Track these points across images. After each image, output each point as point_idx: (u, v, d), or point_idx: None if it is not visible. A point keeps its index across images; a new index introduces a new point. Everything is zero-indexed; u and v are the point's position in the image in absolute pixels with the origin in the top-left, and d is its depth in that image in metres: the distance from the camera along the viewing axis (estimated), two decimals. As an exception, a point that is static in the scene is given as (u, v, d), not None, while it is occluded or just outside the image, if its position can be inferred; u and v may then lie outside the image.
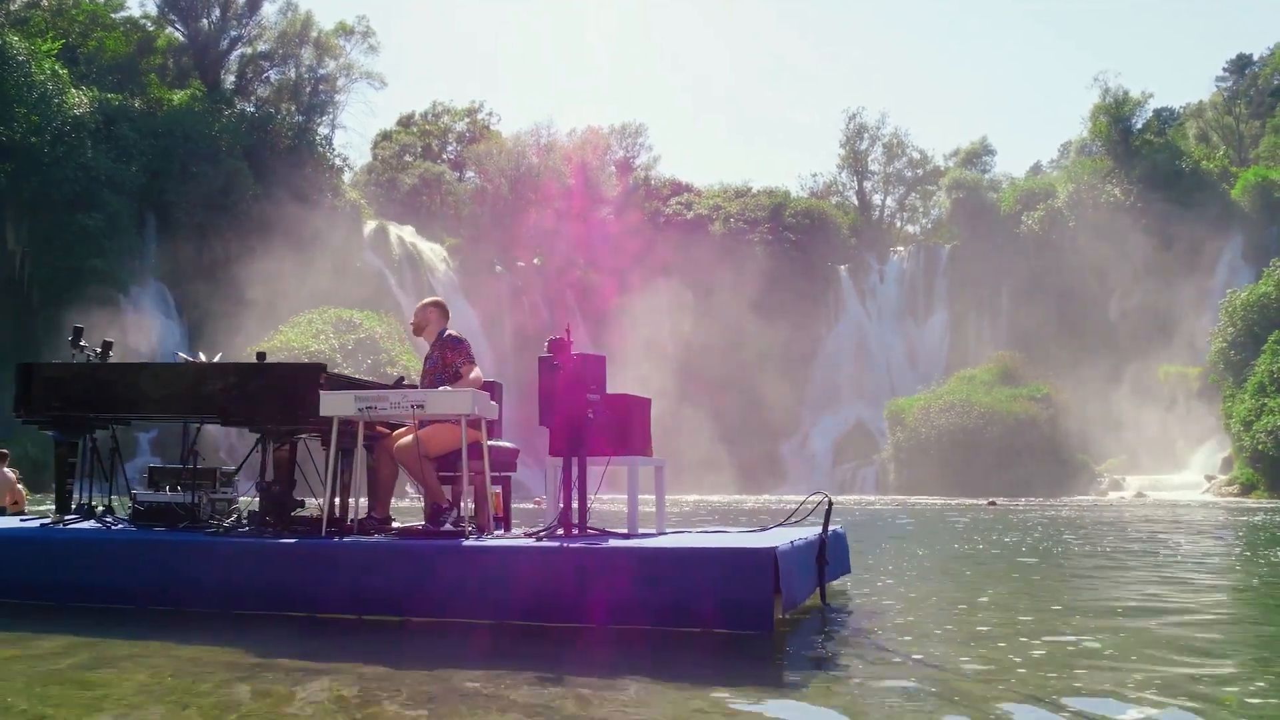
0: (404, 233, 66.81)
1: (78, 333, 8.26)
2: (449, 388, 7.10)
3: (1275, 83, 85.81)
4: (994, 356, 68.40)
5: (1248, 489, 56.15)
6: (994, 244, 78.20)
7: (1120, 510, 32.18)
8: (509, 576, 6.03)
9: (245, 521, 7.91)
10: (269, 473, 7.41)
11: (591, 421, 7.04)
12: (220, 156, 57.58)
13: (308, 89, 66.93)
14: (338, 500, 7.83)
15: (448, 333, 7.90)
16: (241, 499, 8.44)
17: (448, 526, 7.39)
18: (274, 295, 51.51)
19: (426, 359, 7.90)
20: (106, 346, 8.27)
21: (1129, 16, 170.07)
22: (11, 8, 55.31)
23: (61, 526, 7.75)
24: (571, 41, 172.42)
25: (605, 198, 76.66)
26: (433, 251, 67.92)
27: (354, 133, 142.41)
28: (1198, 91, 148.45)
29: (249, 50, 66.45)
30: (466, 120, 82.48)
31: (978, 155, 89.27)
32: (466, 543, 6.35)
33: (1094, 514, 28.22)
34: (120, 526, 7.72)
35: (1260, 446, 54.36)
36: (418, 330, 8.03)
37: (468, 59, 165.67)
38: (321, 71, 67.41)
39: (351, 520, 7.21)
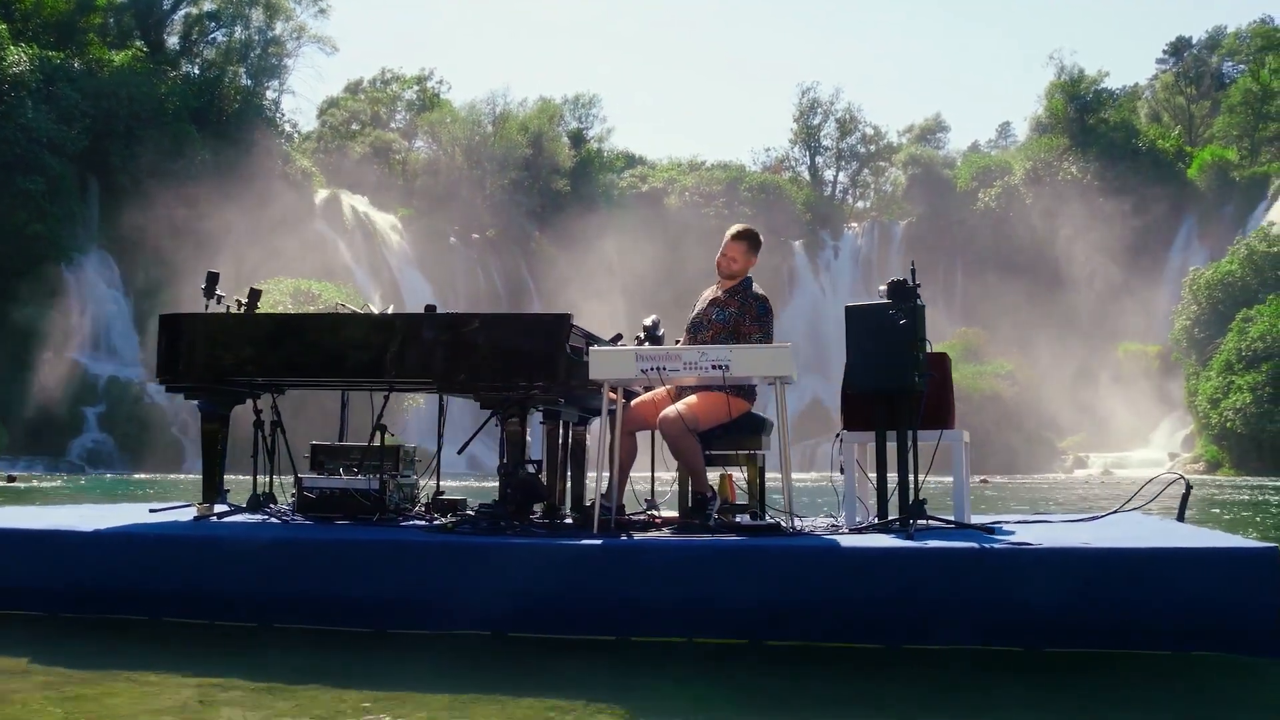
0: (356, 202, 64.50)
1: (213, 279, 6.62)
2: (760, 345, 5.58)
3: (1223, 65, 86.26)
4: (957, 333, 67.74)
5: (1213, 466, 56.13)
6: (950, 220, 77.85)
7: (1111, 487, 31.26)
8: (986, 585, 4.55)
9: (460, 513, 6.38)
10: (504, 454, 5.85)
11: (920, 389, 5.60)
12: (166, 120, 54.78)
13: (256, 51, 64.12)
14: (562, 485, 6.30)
15: (753, 288, 6.35)
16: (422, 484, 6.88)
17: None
18: (224, 265, 49.05)
19: (712, 304, 6.36)
20: (254, 296, 6.64)
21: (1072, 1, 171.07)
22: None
23: (216, 520, 6.17)
24: (522, 11, 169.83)
25: (559, 169, 74.70)
26: (385, 222, 65.70)
27: (303, 98, 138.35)
28: (1137, 73, 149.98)
29: (194, 10, 63.37)
30: (416, 88, 79.83)
31: (932, 132, 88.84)
32: (849, 540, 4.82)
33: (1091, 490, 27.29)
34: (298, 520, 6.15)
35: (1229, 424, 54.24)
36: (730, 273, 6.42)
37: (417, 26, 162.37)
38: (271, 34, 64.62)
39: (605, 510, 5.67)
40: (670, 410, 5.88)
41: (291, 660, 4.67)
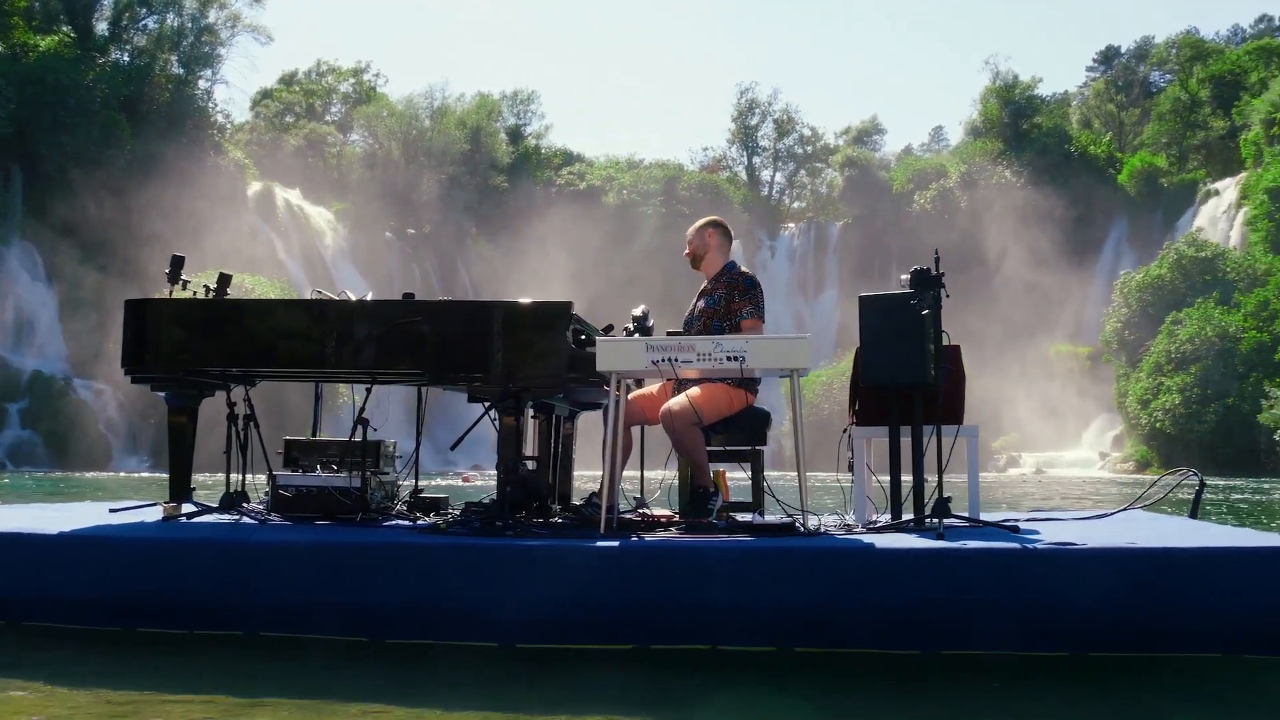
0: (290, 195, 63.41)
1: (177, 263, 6.21)
2: (776, 336, 5.29)
3: (1152, 74, 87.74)
4: (894, 334, 68.05)
5: (1142, 466, 56.93)
6: (885, 222, 78.34)
7: (1048, 486, 31.42)
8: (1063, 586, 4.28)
9: (444, 512, 6.04)
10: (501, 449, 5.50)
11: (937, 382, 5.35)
12: (94, 108, 53.31)
13: (189, 40, 62.68)
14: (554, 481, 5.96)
15: (739, 268, 6.07)
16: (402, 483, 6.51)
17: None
18: (153, 258, 47.91)
19: (700, 296, 6.08)
20: (223, 281, 6.23)
21: (1008, 7, 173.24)
22: None
23: (186, 520, 5.76)
24: (461, 6, 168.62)
25: (497, 165, 74.06)
26: (320, 216, 64.68)
27: (236, 89, 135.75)
28: (1069, 80, 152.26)
29: (125, -6, 61.85)
30: (352, 81, 78.73)
31: (868, 134, 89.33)
32: (887, 541, 4.52)
33: (1028, 489, 27.39)
34: (274, 520, 5.76)
35: (1158, 425, 55.02)
36: (696, 261, 6.16)
37: (354, 18, 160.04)
38: (204, 22, 63.18)
39: (608, 510, 5.34)
40: (673, 403, 5.59)
41: (273, 672, 4.32)
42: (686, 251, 6.20)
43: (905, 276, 5.25)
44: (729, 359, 5.08)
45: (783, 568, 4.36)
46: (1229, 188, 68.89)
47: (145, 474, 37.00)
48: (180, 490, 6.02)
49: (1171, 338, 56.42)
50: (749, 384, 5.81)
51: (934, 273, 5.17)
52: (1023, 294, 70.95)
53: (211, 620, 4.78)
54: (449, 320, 5.58)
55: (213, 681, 4.13)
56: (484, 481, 30.55)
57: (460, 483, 28.44)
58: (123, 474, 37.33)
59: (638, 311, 6.37)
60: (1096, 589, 4.21)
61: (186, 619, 4.81)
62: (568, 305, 5.55)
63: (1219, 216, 68.20)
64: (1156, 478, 6.45)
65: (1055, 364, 67.48)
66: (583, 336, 5.87)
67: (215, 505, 5.91)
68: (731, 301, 5.89)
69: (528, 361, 5.43)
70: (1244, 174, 67.38)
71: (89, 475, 34.72)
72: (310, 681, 4.20)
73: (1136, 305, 61.23)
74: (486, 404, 5.59)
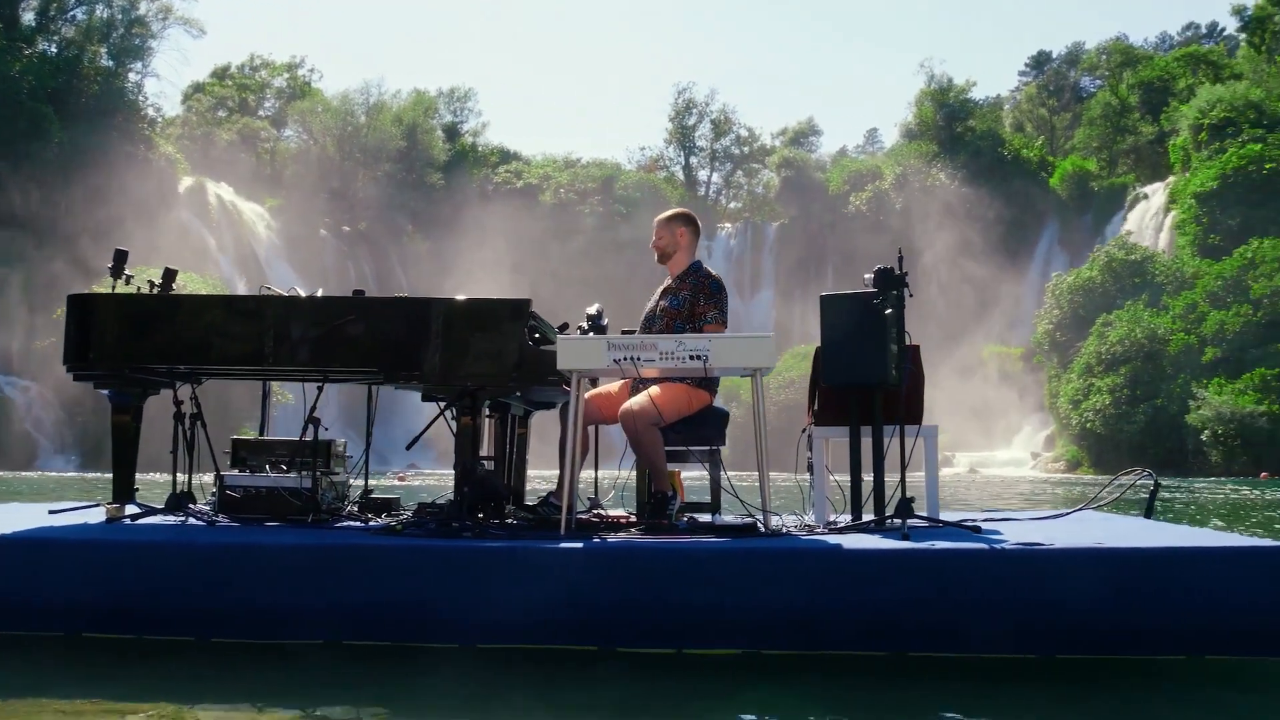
0: (223, 191, 62.54)
1: (121, 258, 6.01)
2: (740, 335, 5.21)
3: (1082, 79, 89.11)
4: (829, 334, 68.52)
5: (1073, 465, 57.86)
6: (821, 223, 78.88)
7: (983, 486, 31.74)
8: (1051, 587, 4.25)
9: (402, 513, 5.92)
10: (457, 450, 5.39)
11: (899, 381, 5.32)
12: (21, 100, 52.26)
13: (119, 31, 61.56)
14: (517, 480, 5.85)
15: (704, 269, 5.96)
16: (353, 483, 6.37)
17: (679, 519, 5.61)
18: (82, 254, 47.00)
19: (663, 294, 5.97)
20: (169, 276, 6.04)
21: (942, 11, 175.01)
22: None
23: (130, 522, 5.59)
24: (396, 1, 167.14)
25: (434, 162, 73.55)
26: (253, 212, 63.86)
27: (167, 82, 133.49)
28: (1001, 84, 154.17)
29: (52, -16, 60.68)
30: (286, 76, 77.79)
31: (804, 135, 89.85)
32: (855, 542, 4.46)
33: (964, 488, 27.64)
34: (222, 521, 5.60)
35: (1089, 425, 55.93)
36: (664, 256, 6.02)
37: (288, 12, 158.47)
38: (135, 14, 62.11)
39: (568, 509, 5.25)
40: (634, 402, 5.49)
41: (226, 678, 4.19)
42: (656, 244, 5.99)
43: (868, 276, 5.20)
44: (692, 358, 5.00)
45: (754, 569, 4.29)
46: (1158, 192, 70.21)
47: (74, 474, 36.28)
48: (124, 491, 5.83)
49: (1102, 339, 57.38)
50: (709, 384, 5.74)
51: (897, 271, 5.13)
52: (956, 295, 71.74)
53: (161, 625, 4.62)
54: (403, 318, 5.45)
55: (162, 688, 3.99)
56: (420, 481, 30.32)
57: (396, 482, 28.16)
58: (51, 474, 36.55)
59: (592, 310, 6.28)
60: (1068, 590, 4.19)
61: (134, 624, 4.65)
62: (527, 302, 5.45)
63: (1148, 220, 69.47)
64: (1111, 478, 6.47)
65: (989, 365, 68.31)
66: (537, 335, 5.78)
67: (160, 506, 5.74)
68: (696, 304, 5.78)
69: (486, 359, 5.32)
70: (1172, 178, 68.70)
71: (14, 475, 33.94)
72: (264, 687, 4.07)
73: (1068, 307, 62.23)
74: (442, 403, 5.48)
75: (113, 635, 4.64)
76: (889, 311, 5.13)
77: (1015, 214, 73.53)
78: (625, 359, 5.01)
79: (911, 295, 5.18)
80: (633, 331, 5.77)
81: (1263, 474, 44.44)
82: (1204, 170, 62.12)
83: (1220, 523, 12.44)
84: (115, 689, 3.94)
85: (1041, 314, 64.34)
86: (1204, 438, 49.81)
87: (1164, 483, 5.61)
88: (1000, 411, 65.60)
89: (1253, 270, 54.65)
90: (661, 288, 6.04)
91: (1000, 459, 62.28)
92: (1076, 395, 57.58)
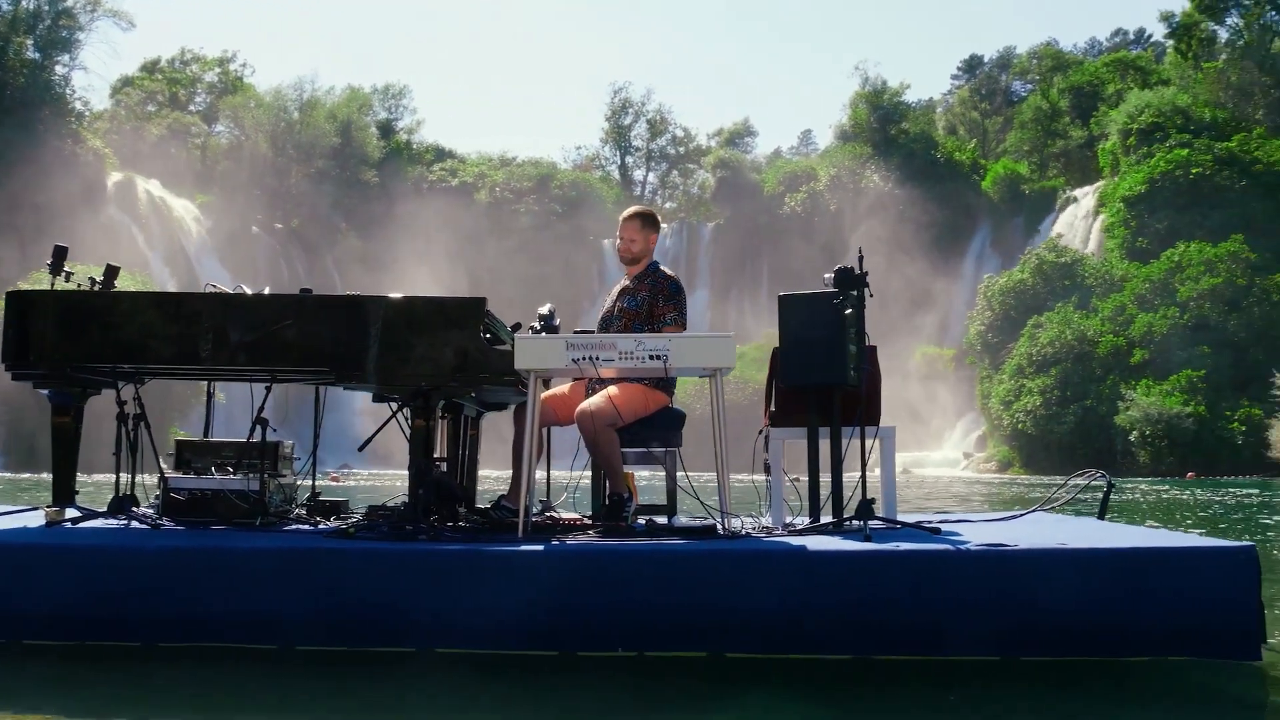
0: (152, 186, 61.49)
1: (60, 254, 5.82)
2: (701, 335, 5.14)
3: (1014, 83, 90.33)
4: (765, 334, 68.84)
5: (1005, 466, 58.52)
6: (757, 224, 79.19)
7: (917, 487, 31.92)
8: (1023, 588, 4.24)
9: (351, 516, 5.81)
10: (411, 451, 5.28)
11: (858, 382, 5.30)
12: (-58, 91, 51.19)
13: (46, 23, 60.32)
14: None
15: (662, 269, 5.90)
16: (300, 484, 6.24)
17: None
18: (6, 249, 45.97)
19: (621, 294, 5.90)
20: (110, 273, 5.88)
21: (876, 13, 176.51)
22: None
23: (71, 525, 5.42)
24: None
25: (368, 159, 72.87)
26: (184, 208, 62.85)
27: (96, 76, 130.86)
28: (934, 87, 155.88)
29: (-25, -25, 59.36)
30: (218, 70, 76.69)
31: (740, 136, 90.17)
32: (819, 544, 4.41)
33: (901, 489, 27.81)
34: (166, 524, 5.45)
35: (1020, 425, 56.59)
36: (632, 257, 5.94)
37: (220, 5, 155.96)
38: (62, 5, 60.86)
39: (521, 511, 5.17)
40: (588, 404, 5.43)
41: (173, 685, 4.06)
42: (629, 246, 5.88)
43: (828, 275, 5.18)
44: (652, 358, 4.95)
45: (721, 572, 4.24)
46: (1087, 195, 71.23)
47: (7, 474, 35.42)
48: (64, 494, 5.68)
49: (1033, 341, 58.11)
50: (666, 385, 5.69)
51: (858, 271, 5.11)
52: (889, 297, 72.28)
53: (106, 631, 4.50)
54: (356, 317, 5.33)
55: (110, 696, 3.87)
56: (355, 482, 29.98)
57: (330, 482, 27.79)
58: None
59: (544, 310, 6.20)
60: (1048, 591, 4.18)
61: (78, 630, 4.52)
62: (482, 301, 5.36)
63: (1077, 223, 70.48)
64: (1066, 479, 6.52)
65: (921, 366, 68.88)
66: (488, 336, 5.69)
67: (103, 510, 5.58)
68: (655, 305, 5.73)
69: (440, 359, 5.22)
70: (1101, 182, 69.77)
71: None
72: (216, 694, 3.96)
73: (999, 309, 62.96)
74: (394, 404, 5.37)
75: (57, 642, 4.50)
76: (849, 311, 5.10)
77: (948, 216, 74.22)
78: (584, 359, 4.95)
79: (872, 295, 5.16)
80: (589, 332, 5.70)
81: (1189, 474, 45.19)
82: (1132, 174, 63.12)
83: (1155, 523, 12.61)
84: (62, 700, 3.81)
85: (973, 315, 65.03)
86: (1132, 439, 50.56)
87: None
88: (933, 413, 66.20)
89: (1179, 273, 55.60)
90: (619, 288, 5.98)
91: (933, 459, 62.83)
92: (1008, 396, 58.25)
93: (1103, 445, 51.55)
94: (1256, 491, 25.53)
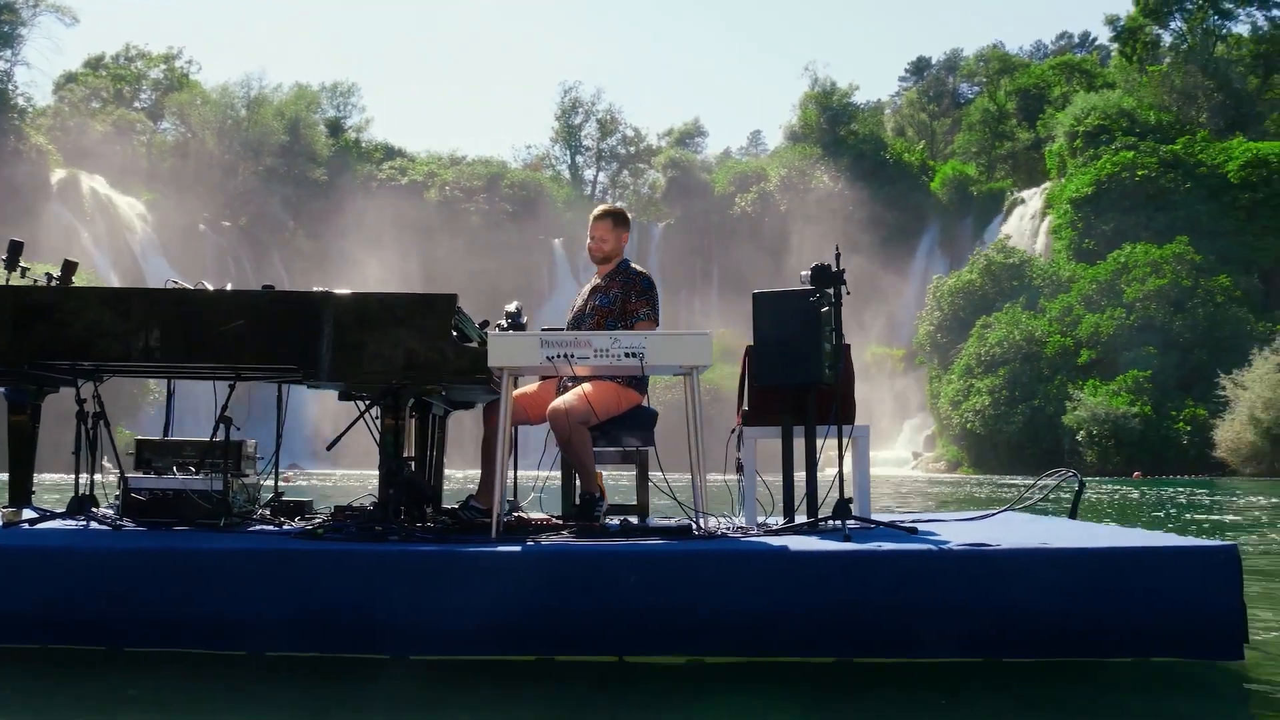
0: (97, 184, 60.58)
1: (15, 249, 5.66)
2: (677, 333, 5.08)
3: (961, 86, 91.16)
4: (717, 334, 68.86)
5: (954, 465, 59.01)
6: (708, 223, 79.38)
7: (876, 487, 31.97)
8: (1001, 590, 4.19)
9: (316, 516, 5.71)
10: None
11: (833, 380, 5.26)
12: (-120, 86, 50.14)
13: (-14, 17, 59.42)
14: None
15: (633, 267, 5.84)
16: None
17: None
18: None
19: (593, 293, 5.82)
20: (68, 268, 5.72)
21: (825, 14, 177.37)
22: None
23: (29, 527, 5.28)
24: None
25: (316, 157, 72.24)
26: (129, 206, 61.98)
27: (38, 71, 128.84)
28: (882, 89, 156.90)
29: (-88, -32, 58.25)
30: (164, 67, 75.66)
31: (690, 136, 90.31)
32: (801, 544, 4.35)
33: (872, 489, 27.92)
34: (127, 525, 5.31)
35: (969, 425, 57.09)
36: (603, 256, 5.87)
37: (165, 2, 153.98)
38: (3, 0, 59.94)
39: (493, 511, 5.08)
40: (561, 402, 5.35)
41: (137, 691, 3.94)
42: (600, 246, 5.81)
43: (805, 273, 5.13)
44: (628, 355, 4.88)
45: (701, 573, 4.17)
46: (1034, 197, 71.99)
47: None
48: (21, 495, 5.52)
49: (981, 341, 58.65)
50: (639, 383, 5.63)
51: (835, 269, 5.06)
52: (841, 296, 72.72)
53: (69, 635, 4.37)
54: (322, 314, 5.21)
55: (69, 702, 3.76)
56: (307, 481, 29.71)
57: (281, 483, 27.48)
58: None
59: (511, 307, 6.10)
60: (1029, 591, 4.14)
61: (38, 633, 4.38)
62: (453, 297, 5.26)
63: (1025, 224, 71.21)
64: (1037, 479, 6.52)
65: (871, 365, 69.24)
66: (455, 333, 5.59)
67: (61, 511, 5.43)
68: (628, 302, 5.67)
69: (410, 357, 5.12)
70: (1048, 184, 70.51)
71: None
72: (181, 699, 3.84)
73: (948, 309, 63.51)
74: (365, 402, 5.26)
75: (16, 645, 4.37)
76: (825, 309, 5.06)
77: (897, 217, 74.82)
78: (559, 356, 4.87)
79: (849, 293, 5.12)
80: (560, 329, 5.63)
81: (1135, 474, 45.74)
82: (1079, 176, 63.86)
83: (1114, 523, 12.70)
84: (22, 706, 3.69)
85: (923, 316, 65.54)
86: (1079, 438, 51.09)
87: (1042, 483, 5.64)
88: (882, 412, 66.60)
89: (1125, 274, 56.30)
90: (589, 286, 5.91)
91: (883, 458, 63.16)
92: (957, 396, 58.76)
93: (1050, 445, 52.07)
94: (1206, 491, 25.84)
